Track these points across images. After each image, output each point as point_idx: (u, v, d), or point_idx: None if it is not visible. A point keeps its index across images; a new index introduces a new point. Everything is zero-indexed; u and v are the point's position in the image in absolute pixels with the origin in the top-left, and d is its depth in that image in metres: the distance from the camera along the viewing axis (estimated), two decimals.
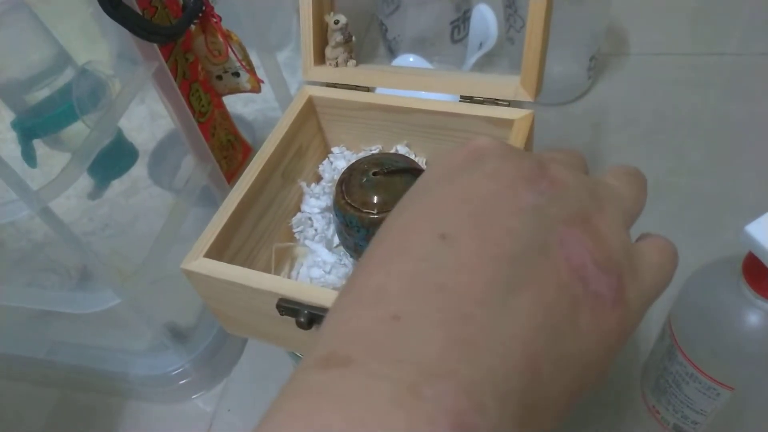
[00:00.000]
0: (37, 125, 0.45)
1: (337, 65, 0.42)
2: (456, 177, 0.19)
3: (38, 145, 0.46)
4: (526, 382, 0.16)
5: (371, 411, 0.14)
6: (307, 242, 0.42)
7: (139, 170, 0.56)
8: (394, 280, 0.17)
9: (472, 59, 0.64)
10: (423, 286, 0.16)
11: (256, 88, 0.55)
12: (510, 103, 0.35)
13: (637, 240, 0.22)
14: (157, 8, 0.47)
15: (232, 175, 0.58)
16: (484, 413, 0.14)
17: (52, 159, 0.46)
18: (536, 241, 0.17)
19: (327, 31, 0.42)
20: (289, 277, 0.41)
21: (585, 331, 0.17)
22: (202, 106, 0.53)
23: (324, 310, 0.31)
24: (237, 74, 0.54)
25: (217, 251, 0.35)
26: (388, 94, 0.41)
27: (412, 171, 0.35)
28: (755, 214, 0.31)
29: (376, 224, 0.35)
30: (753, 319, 0.33)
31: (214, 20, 0.50)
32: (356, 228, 0.36)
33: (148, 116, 0.60)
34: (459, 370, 0.15)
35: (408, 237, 0.18)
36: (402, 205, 0.19)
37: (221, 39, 0.51)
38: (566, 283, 0.17)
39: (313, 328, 0.32)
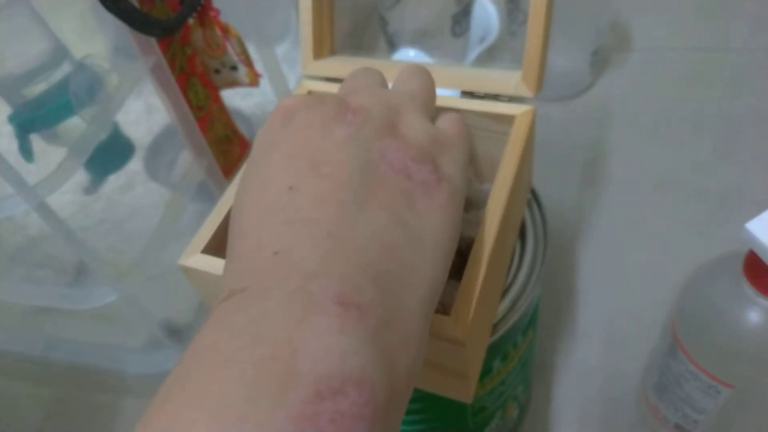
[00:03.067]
0: (34, 119, 0.45)
1: None
2: (281, 139, 0.22)
3: (35, 139, 0.45)
4: (389, 263, 0.20)
5: (270, 309, 0.17)
6: None
7: (135, 165, 0.56)
8: (265, 229, 0.20)
9: (474, 53, 0.64)
10: (289, 226, 0.20)
11: (255, 82, 0.55)
12: (511, 99, 0.35)
13: (436, 122, 0.26)
14: (155, 1, 0.46)
15: (229, 170, 0.58)
16: (361, 291, 0.18)
17: (48, 154, 0.46)
18: (362, 163, 0.21)
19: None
20: None
21: (423, 210, 0.21)
22: (200, 100, 0.52)
23: None
24: (235, 68, 0.54)
25: (214, 247, 0.35)
26: None
27: None
28: (759, 211, 0.30)
29: None
30: (753, 317, 0.33)
31: (213, 13, 0.50)
32: None
33: (145, 110, 0.59)
34: (334, 269, 0.18)
35: (264, 199, 0.21)
36: (245, 179, 0.22)
37: (219, 32, 0.51)
38: (397, 184, 0.21)
39: None
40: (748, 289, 0.33)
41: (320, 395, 0.16)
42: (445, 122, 0.26)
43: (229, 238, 0.22)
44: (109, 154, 0.49)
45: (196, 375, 0.16)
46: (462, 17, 0.66)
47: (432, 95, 0.27)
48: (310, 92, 0.23)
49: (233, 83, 0.55)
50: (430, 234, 0.21)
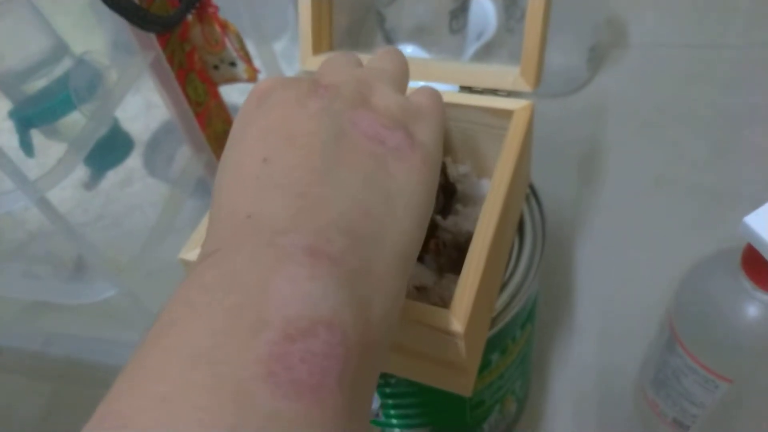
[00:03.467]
0: (34, 115, 0.45)
1: None
2: (257, 117, 0.23)
3: (35, 134, 0.45)
4: (361, 219, 0.20)
5: (241, 263, 0.18)
6: None
7: (134, 161, 0.56)
8: (239, 197, 0.21)
9: (471, 49, 0.64)
10: (263, 191, 0.20)
11: (253, 78, 0.55)
12: (509, 94, 0.35)
13: (410, 95, 0.26)
14: None
15: None
16: (332, 242, 0.19)
17: (48, 149, 0.46)
18: (334, 131, 0.22)
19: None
20: None
21: (396, 173, 0.22)
22: (199, 95, 0.53)
23: None
24: (234, 64, 0.54)
25: None
26: None
27: None
28: (755, 206, 0.31)
29: None
30: (752, 311, 0.33)
31: (212, 10, 0.50)
32: None
33: (144, 106, 0.59)
34: (305, 225, 0.19)
35: (240, 171, 0.21)
36: (223, 157, 0.23)
37: (218, 29, 0.51)
38: (369, 149, 0.22)
39: None
40: (746, 283, 0.33)
41: (290, 336, 0.16)
42: (418, 95, 0.26)
43: (209, 213, 0.22)
44: (109, 149, 0.49)
45: (167, 329, 0.17)
46: (459, 13, 0.66)
47: (405, 73, 0.28)
48: None
49: (232, 79, 0.55)
50: (404, 194, 0.22)
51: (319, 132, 0.21)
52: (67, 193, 0.54)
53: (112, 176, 0.56)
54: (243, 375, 0.15)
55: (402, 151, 0.22)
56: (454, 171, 0.38)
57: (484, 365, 0.36)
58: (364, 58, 0.43)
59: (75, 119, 0.44)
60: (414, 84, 0.39)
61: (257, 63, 0.56)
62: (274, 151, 0.21)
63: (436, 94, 0.27)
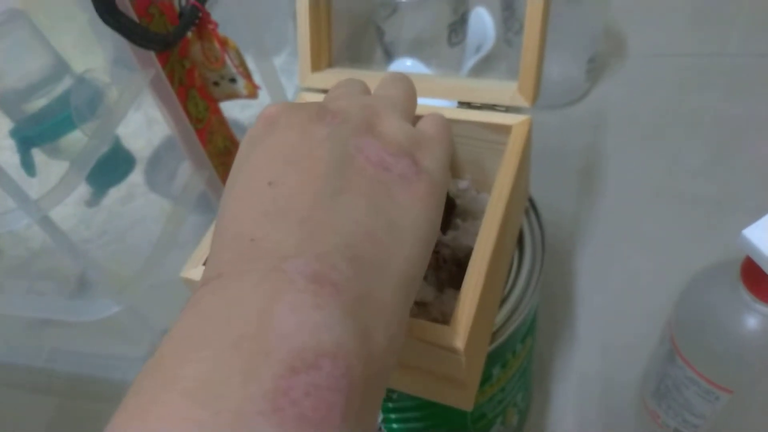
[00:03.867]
0: (35, 134, 0.45)
1: None
2: (263, 142, 0.23)
3: (36, 153, 0.46)
4: (365, 245, 0.20)
5: (243, 290, 0.18)
6: None
7: (136, 177, 0.56)
8: (243, 222, 0.20)
9: (470, 62, 0.64)
10: (267, 216, 0.20)
11: (253, 94, 0.55)
12: (507, 108, 0.35)
13: (416, 124, 0.26)
14: (153, 16, 0.46)
15: None
16: (336, 269, 0.19)
17: (50, 167, 0.46)
18: (339, 157, 0.22)
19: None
20: None
21: (402, 200, 0.22)
22: (199, 112, 0.53)
23: None
24: (234, 80, 0.54)
25: None
26: None
27: None
28: (755, 217, 0.31)
29: None
30: (751, 322, 0.33)
31: (211, 26, 0.50)
32: None
33: (145, 123, 0.60)
34: (309, 250, 0.19)
35: (244, 195, 0.21)
36: (229, 180, 0.23)
37: (218, 45, 0.51)
38: (374, 175, 0.22)
39: None
40: (746, 295, 0.33)
41: (294, 369, 0.16)
42: (425, 123, 0.26)
43: (212, 236, 0.22)
44: (111, 166, 0.49)
45: (170, 361, 0.16)
46: (458, 26, 0.67)
47: (412, 101, 0.28)
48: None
49: (232, 95, 0.55)
50: (409, 222, 0.22)
51: (324, 157, 0.21)
52: (70, 209, 0.54)
53: (114, 192, 0.57)
54: (247, 410, 0.15)
55: (407, 179, 0.22)
56: (453, 186, 0.39)
57: (485, 379, 0.36)
58: (366, 74, 0.44)
59: (76, 137, 0.44)
60: None
61: (257, 78, 0.56)
62: (279, 175, 0.21)
63: (442, 122, 0.27)
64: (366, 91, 0.28)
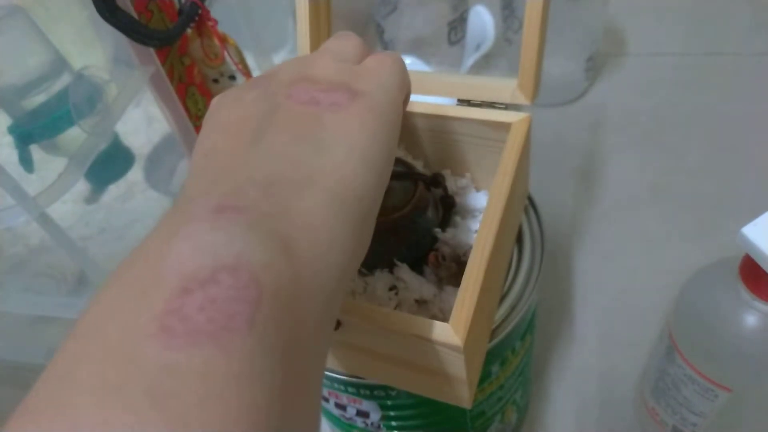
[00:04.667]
0: (34, 130, 0.45)
1: None
2: (205, 124, 0.23)
3: (35, 150, 0.45)
4: (287, 170, 0.20)
5: (149, 237, 0.18)
6: None
7: (135, 174, 0.56)
8: (182, 191, 0.21)
9: (470, 61, 0.64)
10: (193, 177, 0.21)
11: None
12: (507, 106, 0.35)
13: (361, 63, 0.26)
14: (153, 12, 0.46)
15: None
16: (242, 197, 0.18)
17: (48, 164, 0.46)
18: (267, 108, 0.22)
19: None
20: None
21: (332, 123, 0.21)
22: (199, 109, 0.53)
23: None
24: (233, 77, 0.54)
25: None
26: None
27: (411, 175, 0.35)
28: (753, 215, 0.31)
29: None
30: (750, 320, 0.33)
31: (210, 24, 0.50)
32: None
33: (144, 120, 0.60)
34: (216, 190, 0.19)
35: (189, 172, 0.22)
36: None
37: (217, 42, 0.51)
38: (301, 111, 0.22)
39: None
40: (745, 293, 0.33)
41: (186, 290, 0.16)
42: (368, 60, 0.25)
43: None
44: (110, 163, 0.49)
45: (81, 314, 0.17)
46: (458, 24, 0.67)
47: (352, 47, 0.26)
48: None
49: None
50: (341, 140, 0.21)
51: (251, 115, 0.22)
52: (68, 207, 0.54)
53: (114, 189, 0.57)
54: (134, 337, 0.15)
55: (339, 105, 0.22)
56: (452, 184, 0.39)
57: (485, 377, 0.36)
58: None
59: (75, 134, 0.44)
60: (413, 98, 0.39)
61: (256, 76, 0.56)
62: (212, 145, 0.22)
63: (385, 54, 0.26)
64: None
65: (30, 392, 0.15)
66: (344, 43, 0.26)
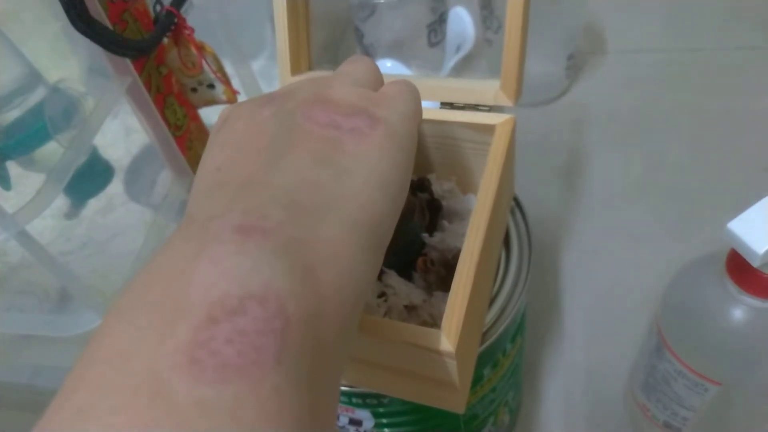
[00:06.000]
0: (9, 147, 0.44)
1: None
2: (216, 137, 0.23)
3: (11, 166, 0.45)
4: (310, 193, 0.20)
5: (166, 255, 0.17)
6: None
7: (115, 186, 0.55)
8: (191, 202, 0.21)
9: (451, 63, 0.64)
10: (207, 190, 0.21)
11: (232, 99, 0.54)
12: (491, 108, 0.35)
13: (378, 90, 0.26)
14: (128, 22, 0.46)
15: None
16: (267, 218, 0.18)
17: (26, 180, 0.45)
18: (285, 128, 0.22)
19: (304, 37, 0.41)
20: None
21: (353, 149, 0.21)
22: (178, 119, 0.52)
23: None
24: (212, 86, 0.53)
25: None
26: None
27: None
28: (737, 210, 0.31)
29: None
30: (737, 314, 0.34)
31: (187, 32, 0.50)
32: None
33: (122, 131, 0.59)
34: (237, 208, 0.18)
35: (196, 186, 0.22)
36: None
37: (195, 51, 0.51)
38: (322, 134, 0.21)
39: None
40: (732, 287, 0.33)
41: (213, 319, 0.15)
42: (386, 87, 0.26)
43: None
44: (89, 177, 0.48)
45: (98, 336, 0.16)
46: (437, 27, 0.67)
47: (369, 73, 0.27)
48: None
49: (211, 101, 0.55)
50: (363, 167, 0.21)
51: (267, 132, 0.22)
52: (48, 222, 0.53)
53: (94, 203, 0.56)
54: (161, 368, 0.14)
55: (359, 131, 0.22)
56: (438, 187, 0.38)
57: (476, 380, 0.36)
58: None
59: (52, 149, 0.43)
60: None
61: (236, 83, 0.55)
62: (226, 160, 0.21)
63: (405, 83, 0.26)
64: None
65: (43, 418, 0.15)
66: (360, 67, 0.26)
